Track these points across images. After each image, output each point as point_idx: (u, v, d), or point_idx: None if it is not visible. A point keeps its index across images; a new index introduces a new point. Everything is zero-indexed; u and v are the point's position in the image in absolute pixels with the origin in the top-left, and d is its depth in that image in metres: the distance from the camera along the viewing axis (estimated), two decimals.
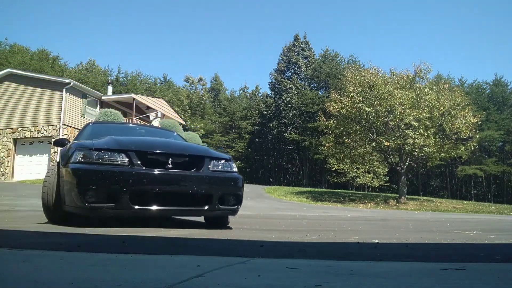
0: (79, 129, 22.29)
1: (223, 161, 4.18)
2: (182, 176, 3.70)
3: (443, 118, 16.23)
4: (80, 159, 3.51)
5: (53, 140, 20.90)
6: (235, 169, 4.31)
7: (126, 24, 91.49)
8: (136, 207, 3.58)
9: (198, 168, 3.83)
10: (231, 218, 5.25)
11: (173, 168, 3.67)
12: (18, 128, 21.94)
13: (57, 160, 4.08)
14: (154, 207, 3.66)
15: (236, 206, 4.21)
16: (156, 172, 3.57)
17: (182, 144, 4.75)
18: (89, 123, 5.58)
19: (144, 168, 3.55)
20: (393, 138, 16.09)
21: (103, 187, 3.44)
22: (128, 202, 3.49)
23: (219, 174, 3.99)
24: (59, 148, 4.75)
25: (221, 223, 4.67)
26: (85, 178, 3.43)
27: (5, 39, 44.45)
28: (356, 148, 17.88)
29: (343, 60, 43.57)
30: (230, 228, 4.75)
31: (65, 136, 21.40)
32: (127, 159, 3.52)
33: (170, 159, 3.67)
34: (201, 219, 6.15)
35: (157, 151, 3.75)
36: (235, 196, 4.13)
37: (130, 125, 6.99)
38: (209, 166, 3.92)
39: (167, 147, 3.98)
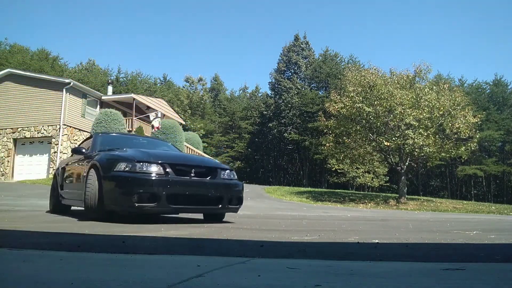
0: (79, 129, 22.33)
1: (228, 171, 5.25)
2: (202, 182, 4.83)
3: (443, 118, 16.22)
4: (125, 168, 4.45)
5: (69, 148, 20.89)
6: (236, 177, 5.37)
7: (126, 24, 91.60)
8: (171, 205, 4.58)
9: (212, 176, 4.92)
10: (233, 217, 5.37)
11: (194, 177, 4.76)
12: (18, 128, 21.94)
13: (87, 169, 4.95)
14: (183, 206, 4.74)
15: (238, 206, 5.32)
16: (184, 179, 4.65)
17: (199, 157, 6.04)
18: (98, 133, 6.61)
19: (176, 176, 4.60)
20: (393, 138, 16.08)
21: (147, 191, 4.41)
22: (165, 202, 4.48)
23: (227, 181, 5.07)
24: (78, 156, 5.80)
25: (219, 218, 5.60)
26: (134, 184, 4.38)
27: (5, 39, 44.51)
28: (356, 148, 17.86)
29: (343, 60, 43.59)
30: (229, 222, 5.51)
31: (65, 136, 21.44)
32: (162, 169, 4.52)
33: (193, 169, 4.77)
34: (199, 218, 6.16)
35: (184, 163, 4.87)
36: (238, 198, 5.24)
37: (134, 136, 8.21)
38: (221, 175, 5.02)
39: (190, 160, 5.22)
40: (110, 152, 5.04)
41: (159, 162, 4.57)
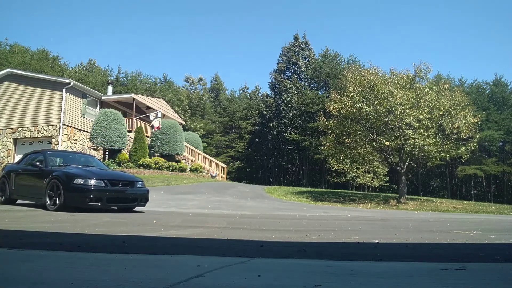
0: (79, 129, 22.32)
1: (141, 182, 7.99)
2: (126, 190, 7.62)
3: (443, 118, 16.21)
4: (81, 182, 7.02)
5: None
6: (145, 186, 8.17)
7: (126, 24, 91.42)
8: (109, 204, 7.28)
9: (131, 186, 7.75)
10: (230, 219, 5.30)
11: (122, 187, 7.55)
12: (18, 128, 21.93)
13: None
14: (116, 204, 7.51)
15: (145, 203, 7.96)
16: (116, 188, 7.39)
17: (124, 174, 8.64)
18: (47, 151, 8.89)
19: (112, 186, 7.30)
20: (393, 138, 16.07)
21: (96, 195, 6.98)
22: (106, 202, 7.16)
23: (140, 189, 7.83)
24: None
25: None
26: (87, 192, 6.93)
27: (5, 39, 44.45)
28: (356, 148, 17.82)
29: (343, 60, 43.53)
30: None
31: (65, 136, 21.45)
32: (103, 183, 7.20)
33: (121, 182, 7.58)
34: (204, 221, 6.15)
35: (116, 179, 7.57)
36: (146, 199, 7.92)
37: (70, 152, 10.90)
38: (136, 185, 7.80)
39: (119, 176, 7.88)
40: (66, 170, 7.46)
41: (101, 178, 7.24)
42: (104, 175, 7.47)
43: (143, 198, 7.75)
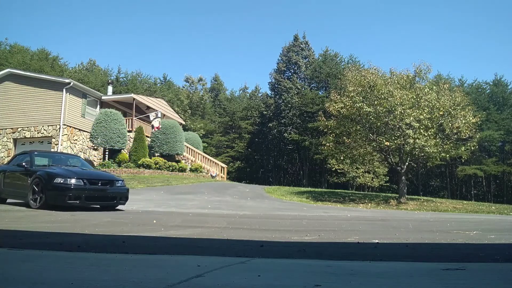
0: (79, 129, 22.32)
1: (121, 181, 8.26)
2: (105, 189, 7.91)
3: (443, 118, 16.20)
4: (61, 181, 7.32)
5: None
6: (125, 185, 8.42)
7: (126, 24, 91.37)
8: (88, 202, 7.61)
9: (111, 185, 8.01)
10: (230, 219, 5.30)
11: (101, 185, 7.84)
12: (18, 128, 21.92)
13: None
14: (95, 202, 7.89)
15: (125, 201, 8.21)
16: (94, 187, 7.67)
17: (104, 173, 8.97)
18: (33, 152, 9.09)
19: (91, 185, 7.60)
20: (393, 138, 16.06)
21: (74, 194, 7.29)
22: (84, 200, 7.45)
23: (119, 188, 8.09)
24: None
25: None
26: (66, 190, 7.24)
27: (5, 39, 44.41)
28: (356, 148, 17.81)
29: (343, 60, 43.48)
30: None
31: (65, 136, 21.43)
32: (82, 182, 7.48)
33: (100, 181, 7.87)
34: (204, 221, 6.15)
35: (94, 178, 7.88)
36: (126, 197, 8.18)
37: (55, 153, 11.40)
38: (116, 184, 8.06)
39: (98, 176, 8.23)
40: (47, 169, 7.83)
41: (80, 177, 7.55)
42: (84, 175, 7.81)
43: (122, 197, 8.08)
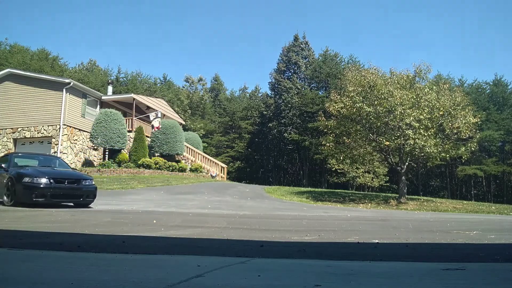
0: (79, 129, 22.31)
1: (89, 180, 8.79)
2: (71, 187, 8.45)
3: (443, 118, 16.19)
4: (28, 180, 7.97)
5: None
6: (94, 183, 8.88)
7: (126, 24, 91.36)
8: (53, 199, 8.09)
9: (78, 183, 8.54)
10: (230, 219, 5.30)
11: (67, 184, 8.39)
12: (18, 128, 21.90)
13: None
14: (61, 199, 8.37)
15: (92, 199, 8.77)
16: (60, 185, 8.25)
17: (72, 172, 9.21)
18: (13, 154, 10.22)
19: (56, 184, 8.18)
20: (393, 138, 16.05)
21: (40, 192, 7.93)
22: (50, 198, 8.02)
23: (87, 186, 8.61)
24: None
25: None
26: (32, 188, 7.89)
27: (5, 39, 44.40)
28: (356, 148, 17.80)
29: (343, 60, 43.46)
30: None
31: (65, 136, 21.43)
32: (48, 180, 8.07)
33: (66, 180, 8.43)
34: (204, 221, 6.15)
35: (61, 177, 8.44)
36: (93, 195, 8.75)
37: (36, 154, 11.74)
38: (83, 183, 8.58)
39: (65, 175, 8.68)
40: (18, 170, 8.53)
41: (46, 176, 8.10)
42: (52, 174, 8.35)
43: (90, 194, 8.62)
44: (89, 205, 8.86)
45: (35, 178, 7.96)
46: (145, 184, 16.15)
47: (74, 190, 8.44)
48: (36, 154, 11.93)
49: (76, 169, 11.59)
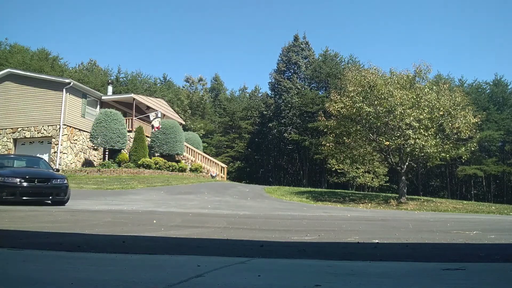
0: (79, 129, 22.30)
1: (59, 179, 9.17)
2: (41, 186, 8.85)
3: (443, 118, 16.19)
4: (1, 179, 8.42)
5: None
6: (65, 182, 9.23)
7: (126, 24, 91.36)
8: (23, 198, 8.56)
9: (48, 182, 8.93)
10: (230, 219, 5.30)
11: (38, 183, 8.83)
12: (18, 128, 21.90)
13: None
14: (30, 197, 8.69)
15: (63, 197, 9.09)
16: (30, 184, 8.68)
17: (44, 172, 9.64)
18: None
19: (26, 183, 8.63)
20: (393, 138, 16.05)
21: (9, 191, 8.44)
22: (19, 196, 8.53)
23: (57, 184, 8.98)
24: None
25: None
26: (2, 187, 8.34)
27: (5, 39, 44.35)
28: (356, 148, 17.79)
29: (343, 60, 43.45)
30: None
31: (64, 136, 21.43)
32: (18, 180, 8.55)
33: (36, 179, 8.87)
34: (204, 221, 6.15)
35: (31, 176, 8.83)
36: (64, 192, 9.07)
37: (16, 156, 12.63)
38: (53, 182, 8.97)
39: (36, 174, 9.15)
40: None
41: (17, 176, 8.62)
42: (24, 174, 8.87)
43: (60, 192, 9.03)
44: (65, 202, 9.18)
45: (6, 178, 8.49)
46: (145, 184, 16.15)
47: (43, 189, 8.86)
48: (20, 156, 12.82)
49: (58, 169, 12.00)
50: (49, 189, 8.89)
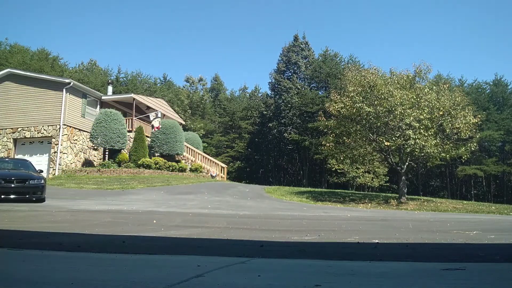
0: (79, 129, 22.31)
1: (36, 180, 10.04)
2: (19, 185, 9.72)
3: (443, 118, 16.19)
4: None
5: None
6: (42, 182, 10.11)
7: (127, 24, 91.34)
8: (1, 196, 9.39)
9: (25, 182, 9.81)
10: (230, 219, 5.29)
11: (17, 183, 9.73)
12: (18, 128, 21.88)
13: None
14: (11, 196, 9.54)
15: (39, 195, 9.93)
16: (9, 184, 9.61)
17: (22, 173, 10.49)
18: None
19: (6, 183, 9.59)
20: (393, 138, 16.05)
21: None
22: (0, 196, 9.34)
23: (34, 184, 9.86)
24: None
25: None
26: None
27: (5, 39, 44.33)
28: (356, 148, 17.78)
29: (343, 60, 43.45)
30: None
31: (65, 136, 21.44)
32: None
33: (15, 180, 9.76)
34: (204, 221, 6.14)
35: (10, 177, 9.78)
36: (41, 191, 9.93)
37: (4, 159, 13.49)
38: (30, 182, 9.85)
39: (15, 175, 10.00)
40: None
41: None
42: (3, 175, 9.81)
43: (36, 191, 9.90)
44: (42, 200, 10.08)
45: None
46: (145, 184, 16.15)
47: (20, 188, 9.78)
48: (9, 159, 14.08)
49: (42, 170, 12.49)
50: (26, 189, 9.81)
